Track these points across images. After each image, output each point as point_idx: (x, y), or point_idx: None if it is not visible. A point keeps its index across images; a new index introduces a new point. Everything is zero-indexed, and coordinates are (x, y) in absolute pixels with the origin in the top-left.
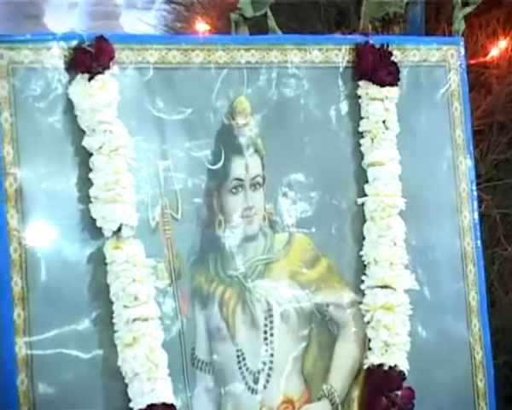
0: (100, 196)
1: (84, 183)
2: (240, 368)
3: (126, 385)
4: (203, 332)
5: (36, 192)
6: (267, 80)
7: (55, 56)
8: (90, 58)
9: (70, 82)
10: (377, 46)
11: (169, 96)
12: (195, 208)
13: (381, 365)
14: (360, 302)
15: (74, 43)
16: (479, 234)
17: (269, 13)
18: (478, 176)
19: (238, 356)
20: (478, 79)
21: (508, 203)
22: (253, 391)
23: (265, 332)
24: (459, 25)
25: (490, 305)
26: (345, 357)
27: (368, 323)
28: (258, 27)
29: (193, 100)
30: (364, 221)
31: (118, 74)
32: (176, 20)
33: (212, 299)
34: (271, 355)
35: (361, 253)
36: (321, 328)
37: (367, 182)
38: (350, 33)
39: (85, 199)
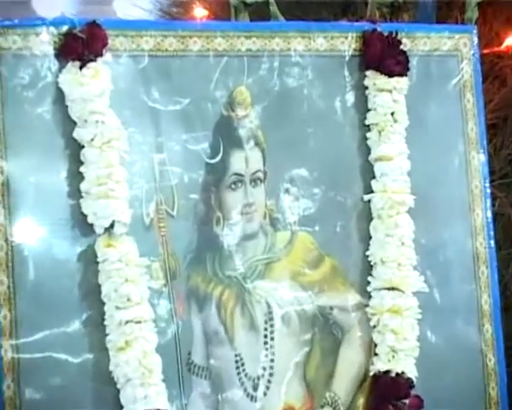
0: (91, 190)
1: (75, 177)
2: (238, 374)
3: (118, 391)
4: (200, 336)
5: (24, 186)
6: (269, 69)
7: (44, 43)
8: (81, 45)
9: (60, 70)
10: (385, 34)
11: (165, 86)
12: (192, 205)
13: (387, 371)
14: (366, 305)
15: (65, 28)
16: (492, 233)
17: None
18: (491, 172)
19: (236, 361)
20: (492, 70)
21: None
22: (253, 398)
23: (265, 336)
24: (472, 12)
25: (503, 309)
26: (349, 363)
27: (374, 327)
28: (259, 13)
29: (190, 90)
30: (371, 219)
31: (111, 62)
32: (172, 5)
33: (210, 300)
34: (272, 361)
35: (367, 253)
36: (324, 332)
37: (374, 178)
38: (357, 20)
39: (76, 194)
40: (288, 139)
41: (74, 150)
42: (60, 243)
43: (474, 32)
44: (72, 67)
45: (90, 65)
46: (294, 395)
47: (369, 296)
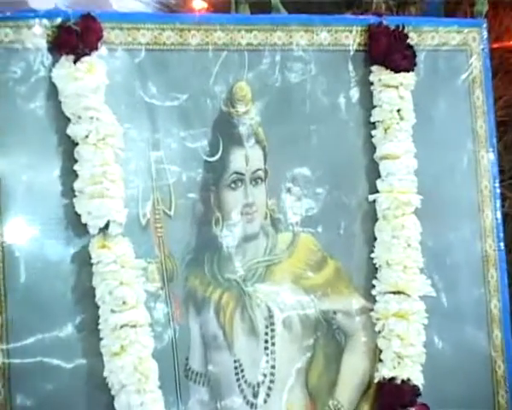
0: (85, 189)
1: (69, 175)
2: (238, 380)
3: (113, 398)
4: (198, 341)
5: (15, 185)
6: (270, 64)
7: (37, 36)
8: (75, 38)
9: (53, 64)
10: (391, 28)
11: (162, 81)
12: (190, 204)
13: (392, 378)
14: (370, 309)
15: (58, 21)
16: (502, 235)
17: None
18: (501, 172)
19: (236, 367)
20: (502, 65)
21: None
22: (252, 406)
23: (266, 341)
24: (482, 5)
25: None
26: (353, 369)
27: (379, 332)
28: (260, 6)
29: (188, 85)
30: (376, 220)
31: (106, 56)
32: None
33: (208, 304)
34: (272, 367)
35: (372, 255)
36: (327, 337)
37: (379, 177)
38: (362, 13)
39: (69, 193)
40: (289, 137)
41: (68, 148)
42: (52, 244)
43: (484, 25)
44: (65, 61)
45: (85, 59)
46: (296, 403)
47: (374, 300)
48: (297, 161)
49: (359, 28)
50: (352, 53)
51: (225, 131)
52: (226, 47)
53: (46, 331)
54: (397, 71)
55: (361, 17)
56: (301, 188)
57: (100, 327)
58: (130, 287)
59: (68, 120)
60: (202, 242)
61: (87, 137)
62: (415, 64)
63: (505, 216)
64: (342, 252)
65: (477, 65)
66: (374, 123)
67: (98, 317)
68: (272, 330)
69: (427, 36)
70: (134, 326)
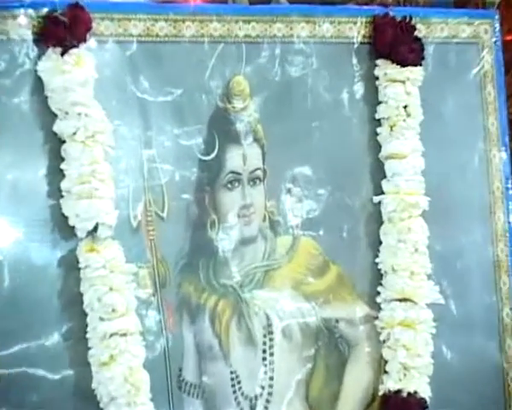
0: (73, 189)
1: (55, 174)
2: (234, 392)
3: None
4: (192, 350)
5: None
6: (269, 57)
7: (22, 26)
8: (63, 29)
9: (39, 57)
10: (398, 19)
11: (155, 75)
12: (184, 206)
13: (398, 391)
14: (375, 318)
15: (45, 11)
16: None
17: None
18: None
19: (232, 379)
20: None
21: None
22: None
23: (264, 351)
24: None
25: None
26: (356, 381)
27: (384, 342)
28: None
29: (182, 79)
30: (381, 223)
31: (95, 48)
32: None
33: (203, 312)
34: (271, 378)
35: (377, 260)
36: (329, 347)
37: (384, 177)
38: (366, 4)
39: (56, 193)
40: (290, 134)
41: (54, 145)
42: (38, 247)
43: (496, 17)
44: (52, 53)
45: (73, 51)
46: None
47: (379, 308)
48: (297, 161)
49: (364, 19)
50: (355, 46)
51: (222, 129)
52: (223, 39)
53: (31, 340)
54: (403, 65)
55: (366, 8)
56: (302, 189)
57: (88, 336)
58: (120, 293)
59: (55, 115)
60: (197, 245)
61: (75, 134)
62: (422, 58)
63: None
64: (345, 257)
65: (488, 59)
66: (379, 120)
67: (86, 325)
68: (271, 340)
69: (436, 28)
70: (124, 335)
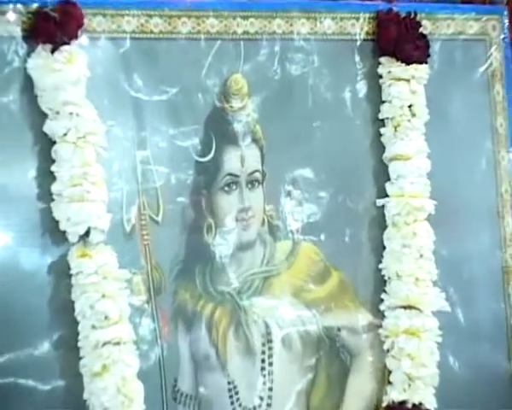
0: (64, 192)
1: (45, 176)
2: (232, 403)
3: None
4: (187, 360)
5: None
6: (268, 55)
7: (11, 22)
8: (53, 25)
9: (29, 54)
10: (402, 15)
11: (149, 73)
12: (180, 209)
13: (403, 402)
14: (378, 326)
15: (34, 6)
16: None
17: None
18: None
19: (230, 390)
20: None
21: None
22: None
23: (263, 361)
24: None
25: None
26: (359, 392)
27: (388, 351)
28: None
29: (178, 78)
30: (385, 227)
31: (87, 46)
32: None
33: (199, 320)
34: (270, 389)
35: (380, 266)
36: (330, 357)
37: (388, 180)
38: None
39: (46, 196)
40: (290, 135)
41: (45, 146)
42: (27, 253)
43: (505, 13)
44: (42, 50)
45: (64, 48)
46: None
47: (383, 316)
48: (298, 162)
49: (367, 15)
50: (358, 43)
51: (219, 129)
52: (220, 36)
53: (20, 349)
54: (408, 63)
55: (369, 3)
56: (302, 191)
57: (79, 345)
58: (113, 300)
59: (45, 115)
60: (193, 251)
61: (66, 134)
62: (428, 55)
63: None
64: (347, 262)
65: (497, 56)
66: (382, 120)
67: (78, 333)
68: (270, 349)
69: (442, 24)
70: (117, 344)
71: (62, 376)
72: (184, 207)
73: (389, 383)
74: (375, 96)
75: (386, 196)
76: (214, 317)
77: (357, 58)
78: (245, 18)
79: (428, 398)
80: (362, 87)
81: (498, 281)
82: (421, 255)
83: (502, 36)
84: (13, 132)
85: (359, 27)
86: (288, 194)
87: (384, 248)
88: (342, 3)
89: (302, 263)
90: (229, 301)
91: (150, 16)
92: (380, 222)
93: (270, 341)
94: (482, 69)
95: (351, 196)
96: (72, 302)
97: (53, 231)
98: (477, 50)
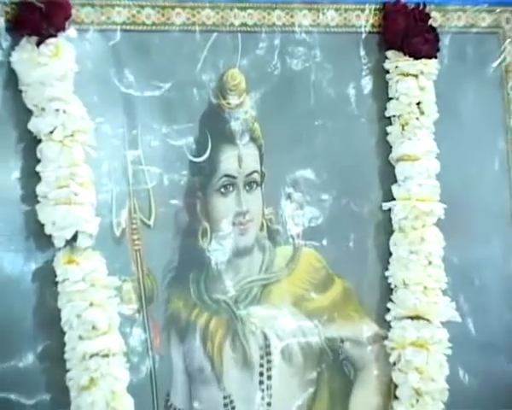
0: (50, 194)
1: (30, 177)
2: None
3: None
4: (181, 373)
5: None
6: (268, 48)
7: None
8: (39, 16)
9: (13, 47)
10: (411, 6)
11: (141, 68)
12: (173, 213)
13: None
14: (384, 337)
15: None
16: None
17: None
18: None
19: (226, 404)
20: None
21: None
22: None
23: (261, 374)
24: None
25: None
26: (363, 408)
27: (394, 364)
28: None
29: (171, 72)
30: (391, 232)
31: (75, 38)
32: None
33: (193, 330)
34: (268, 404)
35: (386, 273)
36: (333, 370)
37: (395, 182)
38: None
39: (31, 198)
40: (290, 134)
41: (29, 145)
42: (10, 258)
43: None
44: (27, 43)
45: (50, 41)
46: None
47: (389, 327)
48: (299, 163)
49: (372, 6)
50: (363, 36)
51: (215, 127)
52: (216, 28)
53: (2, 361)
54: (417, 57)
55: None
56: (304, 194)
57: (66, 356)
58: (102, 309)
59: (30, 112)
60: (187, 257)
61: (52, 132)
62: (438, 49)
63: None
64: (351, 269)
65: (511, 50)
66: (389, 118)
67: (64, 344)
68: (269, 362)
69: (453, 16)
70: (106, 356)
71: (48, 389)
72: (178, 210)
73: (395, 398)
74: (382, 93)
75: (393, 199)
76: (209, 327)
77: (362, 52)
78: (243, 9)
79: None
80: (367, 83)
81: (511, 289)
82: (430, 262)
83: None
84: None
85: (365, 19)
86: (289, 196)
87: (390, 254)
88: None
89: (303, 270)
90: (226, 311)
91: (142, 7)
92: (386, 227)
93: (268, 353)
94: (495, 64)
95: (355, 198)
96: (59, 311)
97: (38, 236)
98: (490, 44)
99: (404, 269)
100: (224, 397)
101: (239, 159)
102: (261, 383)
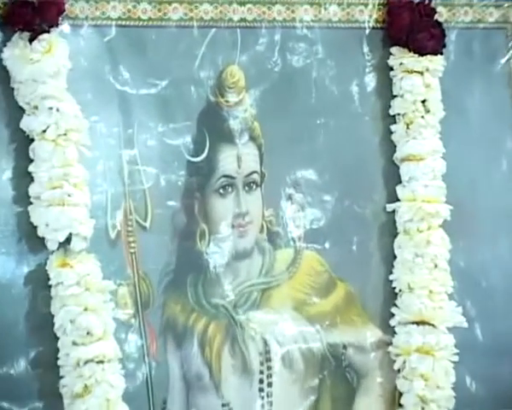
0: (43, 195)
1: (22, 177)
2: None
3: None
4: (178, 380)
5: None
6: (268, 44)
7: None
8: (31, 11)
9: (5, 43)
10: (416, 1)
11: (137, 64)
12: (170, 214)
13: None
14: (388, 343)
15: None
16: None
17: None
18: None
19: None
20: None
21: None
22: None
23: (261, 381)
24: None
25: None
26: None
27: (398, 371)
28: None
29: (168, 69)
30: (396, 235)
31: (69, 34)
32: None
33: (191, 336)
34: None
35: (391, 277)
36: (336, 377)
37: (400, 182)
38: None
39: (23, 199)
40: (291, 133)
41: (22, 144)
42: (2, 261)
43: None
44: (19, 39)
45: (43, 37)
46: None
47: (393, 332)
48: (300, 163)
49: (376, 1)
50: (367, 31)
51: (213, 126)
52: (214, 23)
53: None
54: (422, 53)
55: None
56: (305, 195)
57: (59, 363)
58: (97, 314)
59: (22, 110)
60: (184, 260)
61: (45, 131)
62: (443, 45)
63: None
64: (354, 273)
65: None
66: (394, 116)
67: (57, 350)
68: (269, 368)
69: (459, 11)
70: (101, 362)
71: (40, 397)
72: (175, 211)
73: (400, 406)
74: (386, 90)
75: (397, 200)
76: (208, 332)
77: (365, 48)
78: (242, 4)
79: None
80: (371, 80)
81: None
82: (436, 266)
83: None
84: None
85: (368, 14)
86: (290, 197)
87: (395, 257)
88: None
89: (304, 274)
90: (224, 316)
91: (138, 1)
92: (390, 229)
93: (268, 359)
94: (503, 61)
95: (358, 200)
96: (52, 316)
97: (30, 238)
98: (497, 40)
99: (408, 273)
100: (223, 405)
101: (238, 159)
102: (261, 390)
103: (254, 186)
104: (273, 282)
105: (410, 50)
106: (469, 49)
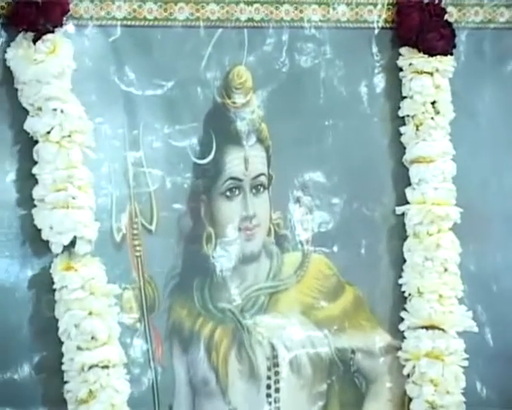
0: (47, 198)
1: (26, 180)
2: None
3: None
4: (184, 385)
5: None
6: (275, 45)
7: None
8: (35, 11)
9: (8, 43)
10: (425, 1)
11: (142, 65)
12: (176, 217)
13: None
14: (398, 348)
15: None
16: None
17: None
18: None
19: None
20: None
21: None
22: None
23: (269, 387)
24: None
25: None
26: None
27: (408, 376)
28: None
29: (174, 70)
30: (405, 238)
31: (73, 34)
32: None
33: (197, 340)
34: None
35: (400, 281)
36: (344, 382)
37: (409, 184)
38: None
39: (27, 202)
40: (299, 135)
41: (25, 146)
42: (6, 265)
43: None
44: (23, 39)
45: (47, 37)
46: None
47: (402, 337)
48: (308, 165)
49: (386, 1)
50: (376, 31)
51: (220, 128)
52: (221, 23)
53: None
54: (432, 54)
55: None
56: (313, 197)
57: (63, 368)
58: (102, 318)
59: (26, 112)
60: (190, 263)
61: (49, 133)
62: (454, 46)
63: None
64: (363, 277)
65: None
66: (403, 118)
67: (61, 355)
68: (276, 373)
69: (470, 11)
70: (106, 367)
71: (44, 402)
72: (181, 214)
73: None
74: (395, 91)
75: (407, 202)
76: (214, 337)
77: (374, 49)
78: (249, 3)
79: None
80: (380, 81)
81: None
82: (446, 269)
83: None
84: None
85: (377, 14)
86: (297, 200)
87: (404, 261)
88: None
89: (312, 277)
90: (231, 320)
91: (143, 1)
92: (399, 232)
93: (276, 364)
94: None
95: (367, 202)
96: (56, 320)
97: (34, 241)
98: (508, 40)
99: (418, 276)
100: None
101: (245, 161)
102: (268, 396)
103: (262, 189)
104: (281, 286)
105: (419, 51)
106: (480, 49)
